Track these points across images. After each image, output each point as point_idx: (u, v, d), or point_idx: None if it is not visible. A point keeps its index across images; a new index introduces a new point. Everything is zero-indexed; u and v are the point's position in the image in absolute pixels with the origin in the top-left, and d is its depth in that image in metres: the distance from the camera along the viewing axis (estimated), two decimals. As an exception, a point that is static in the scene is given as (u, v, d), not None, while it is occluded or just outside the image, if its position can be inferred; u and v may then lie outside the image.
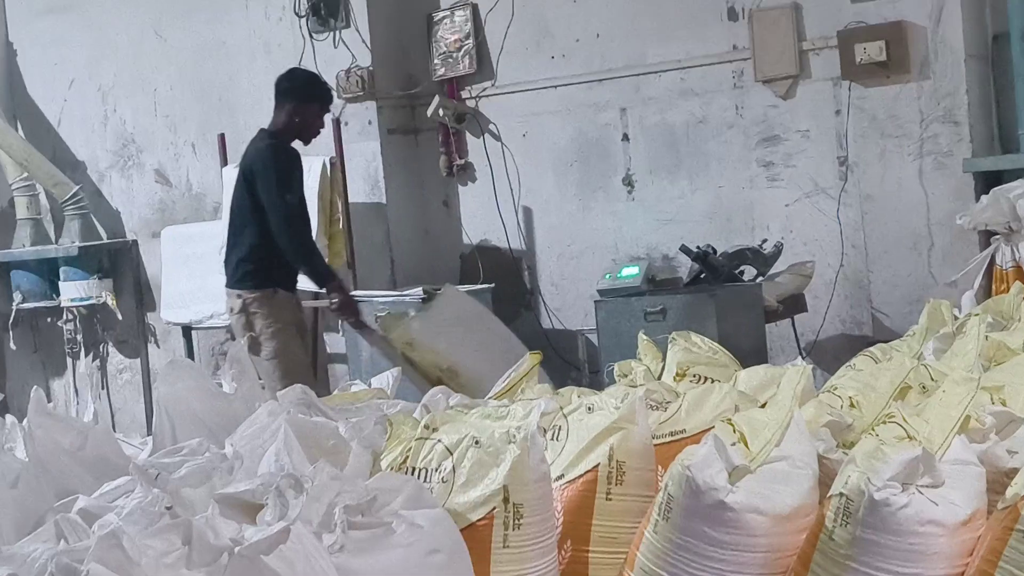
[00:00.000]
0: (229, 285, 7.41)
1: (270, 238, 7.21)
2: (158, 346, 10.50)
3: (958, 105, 7.44)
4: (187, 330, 9.92)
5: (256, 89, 9.70)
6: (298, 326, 7.49)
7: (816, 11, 7.95)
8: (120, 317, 10.40)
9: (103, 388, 10.71)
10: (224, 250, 7.54)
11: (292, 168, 7.30)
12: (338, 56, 9.26)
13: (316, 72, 8.06)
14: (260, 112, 9.61)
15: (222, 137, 9.46)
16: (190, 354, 9.87)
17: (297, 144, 7.48)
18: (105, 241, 10.51)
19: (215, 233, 9.34)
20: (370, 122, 9.27)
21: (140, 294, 10.48)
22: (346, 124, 9.16)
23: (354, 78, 9.17)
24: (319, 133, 7.65)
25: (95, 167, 10.65)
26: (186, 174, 10.22)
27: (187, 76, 10.10)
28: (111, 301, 10.30)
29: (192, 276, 9.70)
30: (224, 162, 9.36)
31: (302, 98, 7.44)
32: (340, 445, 3.84)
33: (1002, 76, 7.53)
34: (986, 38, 7.62)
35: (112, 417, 10.49)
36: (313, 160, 8.81)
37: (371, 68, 9.18)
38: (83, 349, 10.64)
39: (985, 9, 7.59)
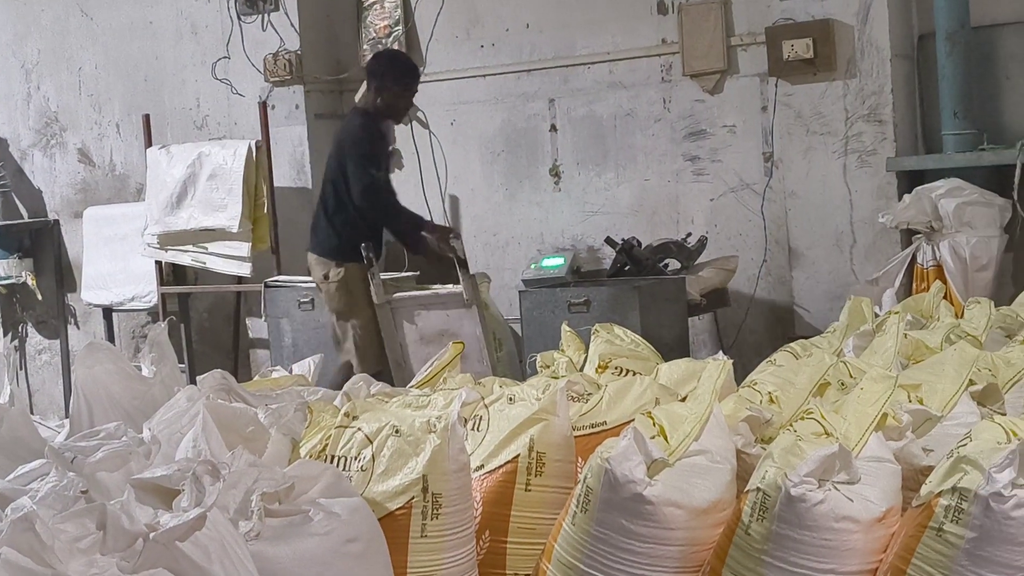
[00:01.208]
0: (320, 254, 7.56)
1: (350, 218, 7.47)
2: (78, 327, 10.39)
3: (883, 104, 7.50)
4: (108, 312, 9.83)
5: (182, 70, 9.63)
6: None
7: (745, 7, 7.98)
8: (40, 297, 10.28)
9: (21, 369, 10.58)
10: (315, 217, 7.74)
11: (376, 144, 7.53)
12: (266, 39, 9.19)
13: (401, 52, 8.14)
14: (185, 93, 9.58)
15: (147, 118, 9.37)
16: (110, 336, 9.78)
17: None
18: (26, 220, 10.38)
19: (138, 214, 9.27)
20: (297, 106, 9.22)
21: (61, 275, 10.36)
22: (273, 108, 9.10)
23: (282, 62, 9.11)
24: (407, 112, 7.88)
25: (17, 145, 10.51)
26: (110, 154, 10.12)
27: (113, 55, 9.99)
28: (31, 281, 10.18)
29: (114, 257, 9.61)
30: (148, 143, 9.27)
31: (386, 78, 7.63)
32: (259, 432, 3.82)
33: (927, 76, 7.60)
34: (912, 38, 7.68)
35: (30, 399, 10.37)
36: (238, 143, 8.76)
37: (299, 52, 9.12)
38: (1, 329, 10.51)
39: (911, 9, 7.65)
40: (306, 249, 7.75)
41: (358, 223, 7.42)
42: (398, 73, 7.68)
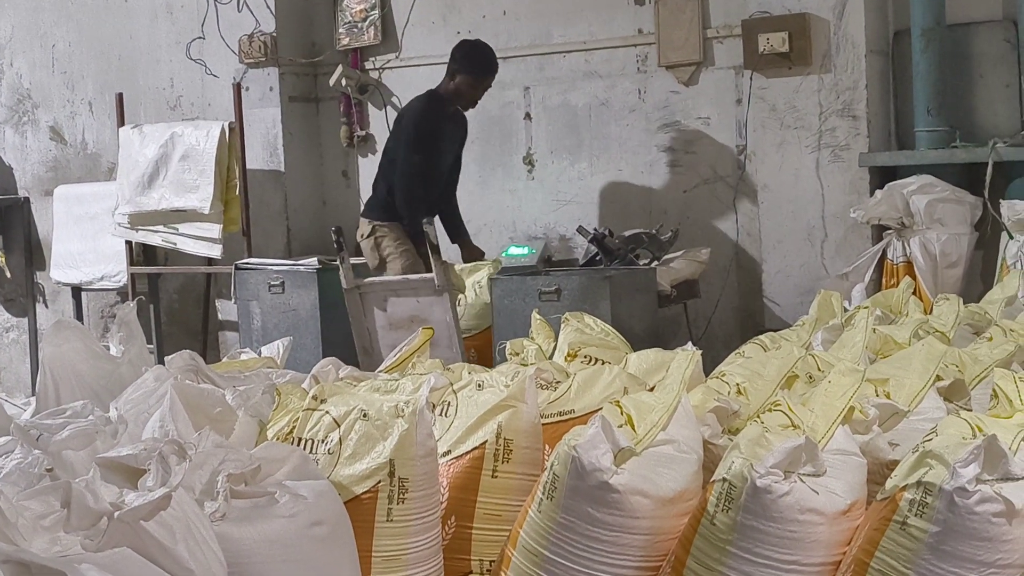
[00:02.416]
0: (363, 215, 8.04)
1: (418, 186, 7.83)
2: (47, 306, 10.35)
3: (857, 99, 7.51)
4: (77, 291, 9.79)
5: (156, 49, 9.60)
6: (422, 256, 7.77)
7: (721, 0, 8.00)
8: (9, 275, 10.23)
9: (-11, 346, 10.56)
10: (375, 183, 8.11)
11: (431, 130, 7.81)
12: (242, 20, 9.17)
13: (482, 43, 8.11)
14: (159, 73, 9.54)
15: (120, 97, 9.33)
16: (79, 316, 9.74)
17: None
18: (-4, 197, 10.36)
19: (108, 193, 9.23)
20: (271, 88, 9.19)
21: (30, 252, 10.31)
22: (247, 90, 9.07)
23: (257, 43, 9.09)
24: (475, 103, 8.02)
25: (-12, 122, 10.48)
26: (82, 133, 10.08)
27: (87, 33, 9.95)
28: (0, 258, 10.14)
29: (84, 236, 9.57)
30: (121, 122, 9.23)
31: (460, 67, 7.87)
32: (226, 413, 3.81)
33: (901, 72, 7.61)
34: (887, 34, 7.70)
35: (-3, 376, 10.35)
36: (211, 124, 8.72)
37: (274, 34, 9.10)
38: (-31, 306, 10.48)
39: (887, 5, 7.66)
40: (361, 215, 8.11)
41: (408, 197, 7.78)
42: (476, 62, 7.89)
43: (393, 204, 7.77)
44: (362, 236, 7.88)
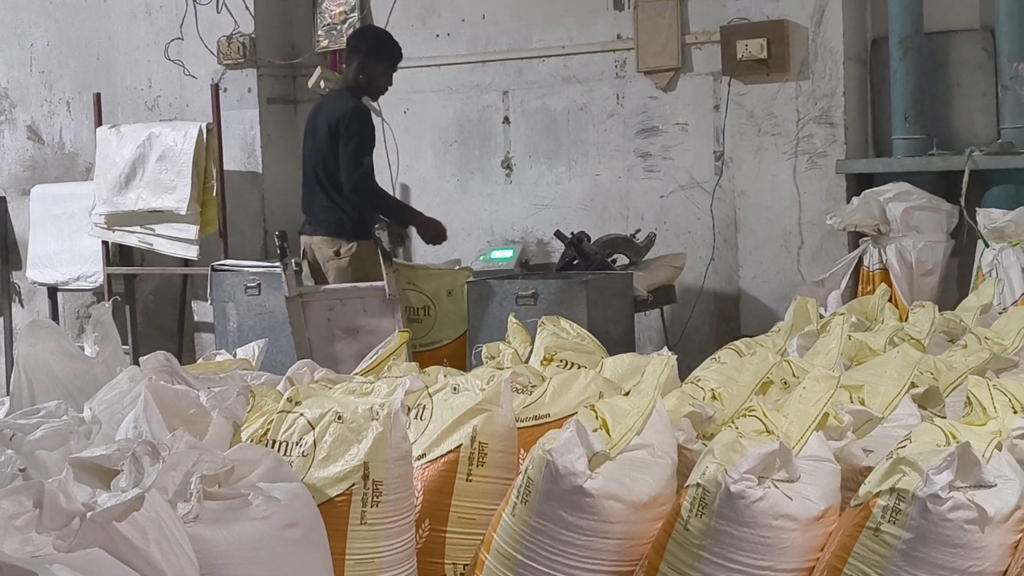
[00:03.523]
0: (325, 233, 7.45)
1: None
2: (22, 306, 10.32)
3: (835, 106, 7.54)
4: (53, 291, 9.77)
5: (135, 49, 9.58)
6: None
7: (700, 5, 8.01)
8: (-16, 274, 10.22)
9: (-37, 346, 10.51)
10: (312, 201, 7.58)
11: (370, 130, 7.47)
12: (220, 21, 9.15)
13: (385, 30, 8.02)
14: (137, 73, 9.52)
15: (98, 96, 9.31)
16: (54, 316, 9.71)
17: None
18: (-28, 196, 10.32)
19: (86, 193, 9.20)
20: (250, 90, 9.18)
21: (6, 252, 10.28)
22: (225, 91, 9.06)
23: (235, 44, 9.08)
24: (385, 90, 7.74)
25: (-35, 120, 10.45)
26: (59, 132, 10.05)
27: (65, 33, 9.93)
28: (-24, 258, 10.12)
29: (60, 236, 9.54)
30: (99, 122, 9.21)
31: (371, 55, 7.59)
32: (201, 414, 3.79)
33: (879, 80, 7.64)
34: (865, 42, 7.72)
35: (-29, 375, 10.30)
36: (189, 125, 8.71)
37: (253, 35, 9.09)
38: (-56, 305, 10.44)
39: (865, 13, 7.69)
40: (299, 232, 7.63)
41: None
42: (385, 51, 7.64)
43: (359, 219, 7.35)
44: (335, 256, 7.41)
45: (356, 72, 7.57)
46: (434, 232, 7.59)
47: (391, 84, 7.74)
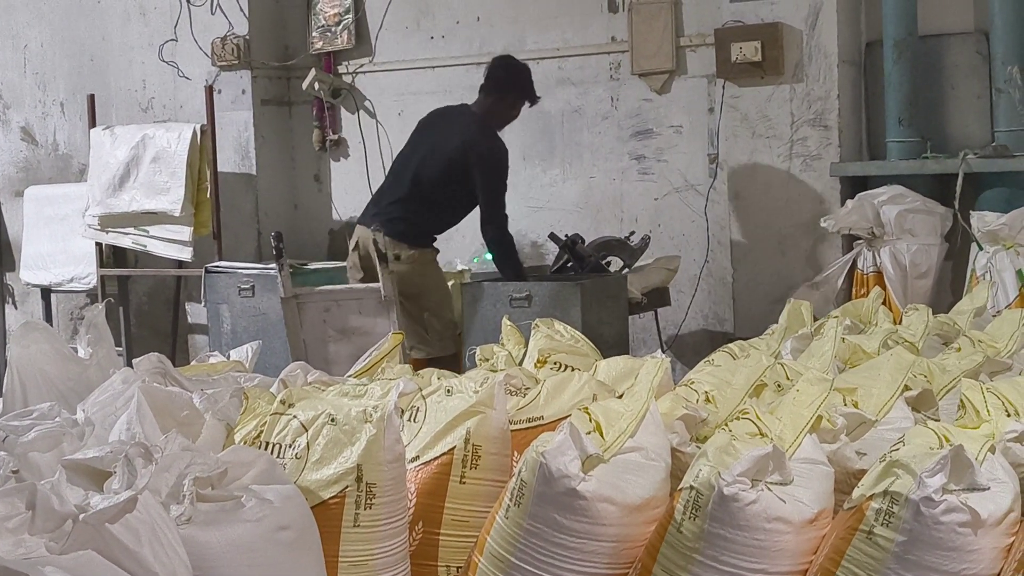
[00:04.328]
0: (393, 236, 7.13)
1: (447, 217, 7.35)
2: (16, 307, 10.31)
3: (829, 109, 7.54)
4: (46, 292, 9.76)
5: (129, 51, 9.57)
6: None
7: (695, 8, 8.01)
8: (-22, 276, 10.22)
9: (-44, 347, 10.51)
10: (396, 203, 7.29)
11: (507, 172, 7.31)
12: (214, 23, 9.15)
13: (527, 66, 7.62)
14: (131, 75, 9.52)
15: (91, 98, 9.30)
16: (48, 317, 9.71)
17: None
18: (-34, 198, 10.32)
19: (79, 195, 9.20)
20: (244, 91, 9.18)
21: (0, 253, 10.28)
22: (219, 92, 9.06)
23: (230, 46, 9.07)
24: (507, 124, 7.52)
25: (-41, 121, 10.44)
26: (53, 134, 10.04)
27: (59, 34, 9.92)
28: (-30, 260, 10.12)
29: (54, 238, 9.54)
30: (92, 123, 9.20)
31: (514, 88, 7.37)
32: (194, 416, 3.80)
33: (873, 83, 7.65)
34: (860, 45, 7.73)
35: (-36, 377, 10.29)
36: (183, 127, 8.70)
37: (247, 37, 9.08)
38: (-63, 307, 10.43)
39: (860, 16, 7.70)
40: (358, 222, 7.47)
41: (441, 222, 7.35)
42: (527, 87, 7.41)
43: (428, 230, 7.26)
44: (397, 258, 7.11)
45: (495, 102, 7.34)
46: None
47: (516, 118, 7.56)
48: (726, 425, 3.62)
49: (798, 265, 7.65)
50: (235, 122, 9.16)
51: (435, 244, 7.33)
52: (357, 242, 7.39)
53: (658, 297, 7.73)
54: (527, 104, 7.43)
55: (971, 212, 7.12)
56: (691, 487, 3.34)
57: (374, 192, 7.60)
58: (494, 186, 7.23)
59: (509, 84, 7.39)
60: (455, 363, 6.69)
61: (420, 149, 7.36)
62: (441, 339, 7.20)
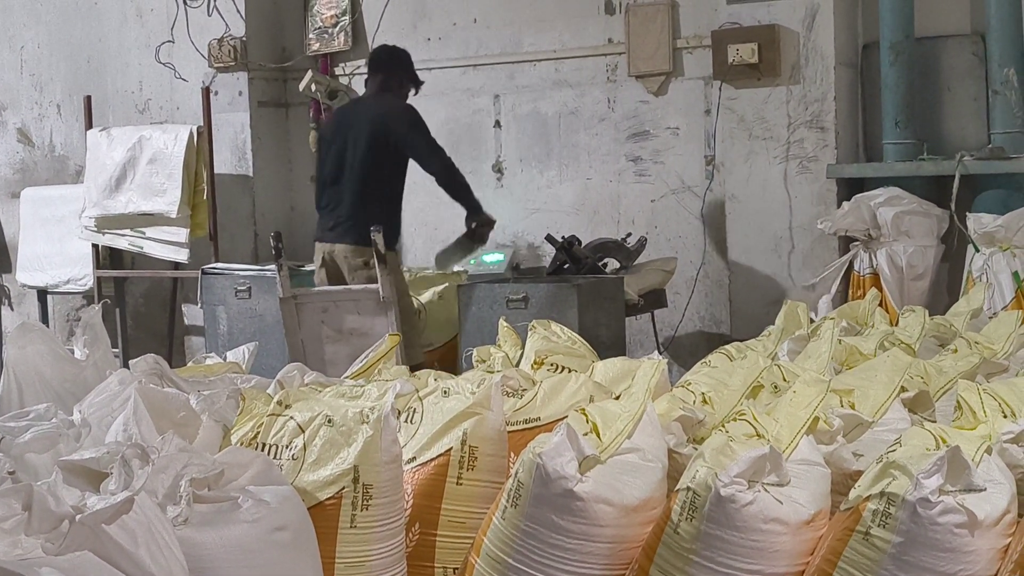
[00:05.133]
0: (352, 242, 7.19)
1: (399, 200, 7.35)
2: (12, 309, 10.31)
3: (826, 111, 7.54)
4: (43, 294, 9.76)
5: (126, 52, 9.57)
6: None
7: (692, 10, 8.01)
8: (-26, 277, 10.21)
9: (-47, 348, 10.50)
10: (339, 206, 7.30)
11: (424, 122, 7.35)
12: (211, 24, 9.15)
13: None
14: (128, 76, 9.51)
15: (88, 99, 9.30)
16: (44, 319, 9.71)
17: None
18: (-38, 199, 10.31)
19: (76, 196, 9.19)
20: (240, 93, 9.18)
21: (-4, 255, 10.30)
22: (216, 94, 9.06)
23: (226, 47, 9.08)
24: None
25: (-44, 123, 10.44)
26: (50, 135, 10.04)
27: (56, 36, 9.92)
28: (-34, 261, 10.12)
29: (50, 239, 9.54)
30: (89, 124, 9.20)
31: (410, 74, 7.50)
32: (190, 417, 3.80)
33: (870, 85, 7.65)
34: (856, 47, 7.73)
35: (-40, 378, 10.28)
36: (180, 128, 8.70)
37: (244, 38, 9.09)
38: (-66, 308, 10.43)
39: (856, 18, 7.70)
40: (316, 239, 7.42)
41: (394, 211, 7.31)
42: (409, 65, 7.53)
43: (391, 229, 7.14)
44: (364, 266, 7.13)
45: (385, 83, 7.43)
46: (487, 233, 7.44)
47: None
48: (723, 426, 3.62)
49: (795, 267, 7.65)
50: (232, 124, 9.16)
51: (397, 247, 7.29)
52: (323, 258, 7.34)
53: (655, 299, 7.74)
54: (412, 90, 7.48)
55: (967, 214, 7.11)
56: (688, 488, 3.34)
57: (318, 209, 7.49)
58: (423, 139, 7.26)
59: (392, 62, 7.49)
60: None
61: (340, 150, 7.33)
62: (410, 346, 7.07)
